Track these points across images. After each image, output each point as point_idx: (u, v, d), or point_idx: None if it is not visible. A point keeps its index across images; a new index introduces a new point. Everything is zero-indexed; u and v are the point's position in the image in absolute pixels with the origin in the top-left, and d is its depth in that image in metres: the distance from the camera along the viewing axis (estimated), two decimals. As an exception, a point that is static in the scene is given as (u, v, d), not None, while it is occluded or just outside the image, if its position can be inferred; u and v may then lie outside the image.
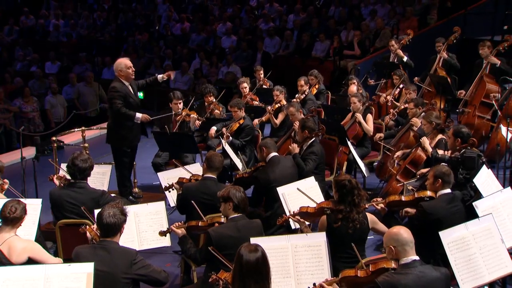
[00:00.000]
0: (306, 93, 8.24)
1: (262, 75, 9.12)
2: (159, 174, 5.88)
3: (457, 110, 8.24)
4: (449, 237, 3.84)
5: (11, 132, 10.13)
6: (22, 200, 4.56)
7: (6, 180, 5.24)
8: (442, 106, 8.13)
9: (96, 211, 4.04)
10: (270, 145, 5.62)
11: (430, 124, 5.93)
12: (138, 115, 6.43)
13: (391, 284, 3.35)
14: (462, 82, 8.60)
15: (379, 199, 4.76)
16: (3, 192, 5.23)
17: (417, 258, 3.48)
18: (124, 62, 6.48)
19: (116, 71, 6.49)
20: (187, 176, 5.46)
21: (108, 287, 3.57)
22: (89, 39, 15.03)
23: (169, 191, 5.54)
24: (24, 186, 6.38)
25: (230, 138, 6.85)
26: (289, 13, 13.45)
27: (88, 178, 5.03)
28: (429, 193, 4.60)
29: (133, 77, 6.55)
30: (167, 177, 5.71)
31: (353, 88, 8.12)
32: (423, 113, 6.48)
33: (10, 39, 15.53)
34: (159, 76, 6.87)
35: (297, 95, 8.27)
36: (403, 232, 3.50)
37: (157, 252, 5.34)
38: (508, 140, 5.59)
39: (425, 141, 5.86)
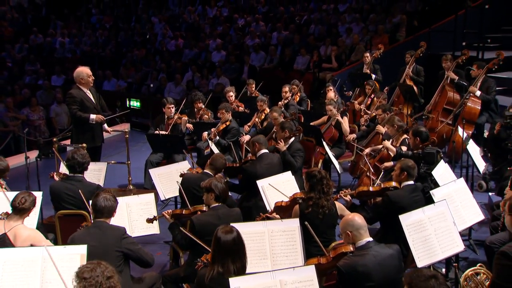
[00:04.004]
0: (288, 99, 8.38)
1: (253, 88, 9.25)
2: (151, 170, 5.86)
3: (423, 116, 8.37)
4: (407, 220, 3.90)
5: (19, 138, 10.11)
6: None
7: (2, 182, 5.04)
8: (409, 112, 8.26)
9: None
10: (262, 142, 5.63)
11: (393, 128, 6.05)
12: (92, 116, 6.38)
13: (351, 266, 3.38)
14: (427, 92, 8.75)
15: (346, 190, 4.83)
16: None
17: (371, 239, 3.52)
18: (85, 71, 6.43)
19: (77, 79, 6.42)
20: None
21: (100, 259, 3.60)
22: (91, 54, 15.04)
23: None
24: (28, 183, 6.39)
25: (217, 137, 6.89)
26: (273, 31, 13.53)
27: (86, 173, 5.05)
28: (394, 183, 4.67)
29: (92, 84, 6.51)
30: (158, 173, 5.72)
31: (331, 94, 8.20)
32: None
33: (21, 55, 15.54)
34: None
35: (280, 102, 8.41)
36: (357, 218, 3.56)
37: (149, 242, 5.38)
38: (464, 138, 5.69)
39: (387, 143, 5.98)
